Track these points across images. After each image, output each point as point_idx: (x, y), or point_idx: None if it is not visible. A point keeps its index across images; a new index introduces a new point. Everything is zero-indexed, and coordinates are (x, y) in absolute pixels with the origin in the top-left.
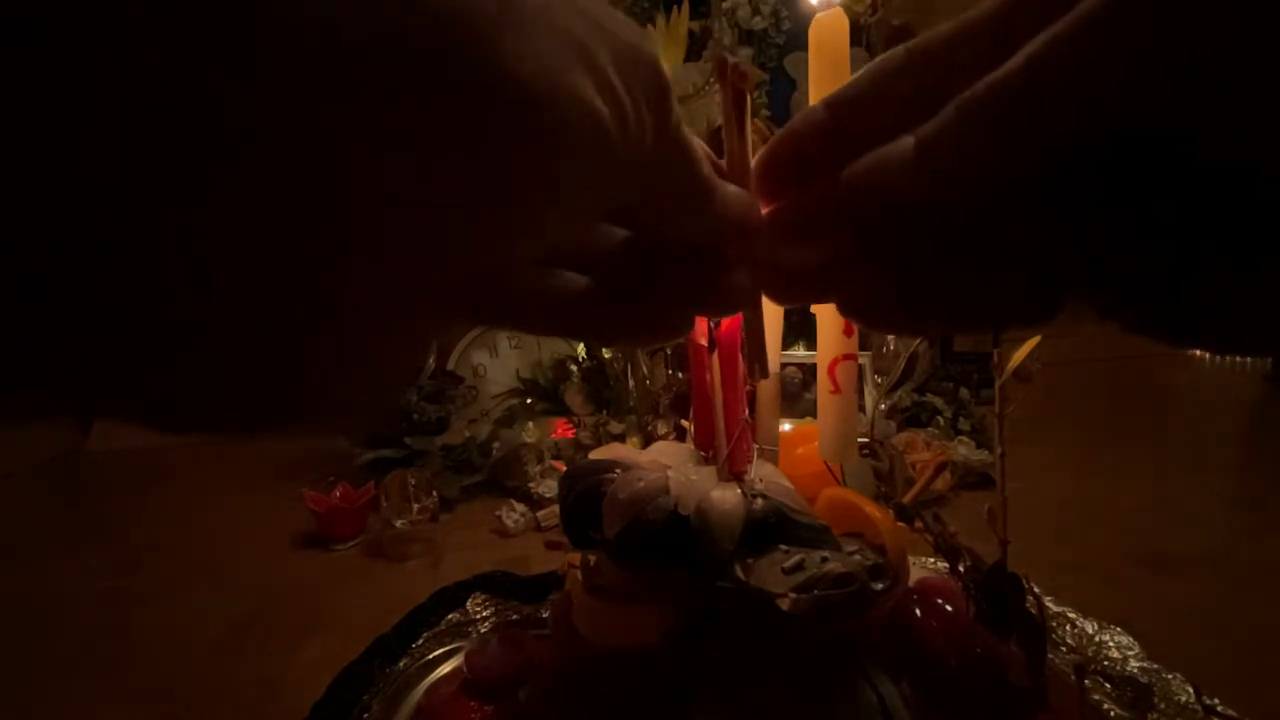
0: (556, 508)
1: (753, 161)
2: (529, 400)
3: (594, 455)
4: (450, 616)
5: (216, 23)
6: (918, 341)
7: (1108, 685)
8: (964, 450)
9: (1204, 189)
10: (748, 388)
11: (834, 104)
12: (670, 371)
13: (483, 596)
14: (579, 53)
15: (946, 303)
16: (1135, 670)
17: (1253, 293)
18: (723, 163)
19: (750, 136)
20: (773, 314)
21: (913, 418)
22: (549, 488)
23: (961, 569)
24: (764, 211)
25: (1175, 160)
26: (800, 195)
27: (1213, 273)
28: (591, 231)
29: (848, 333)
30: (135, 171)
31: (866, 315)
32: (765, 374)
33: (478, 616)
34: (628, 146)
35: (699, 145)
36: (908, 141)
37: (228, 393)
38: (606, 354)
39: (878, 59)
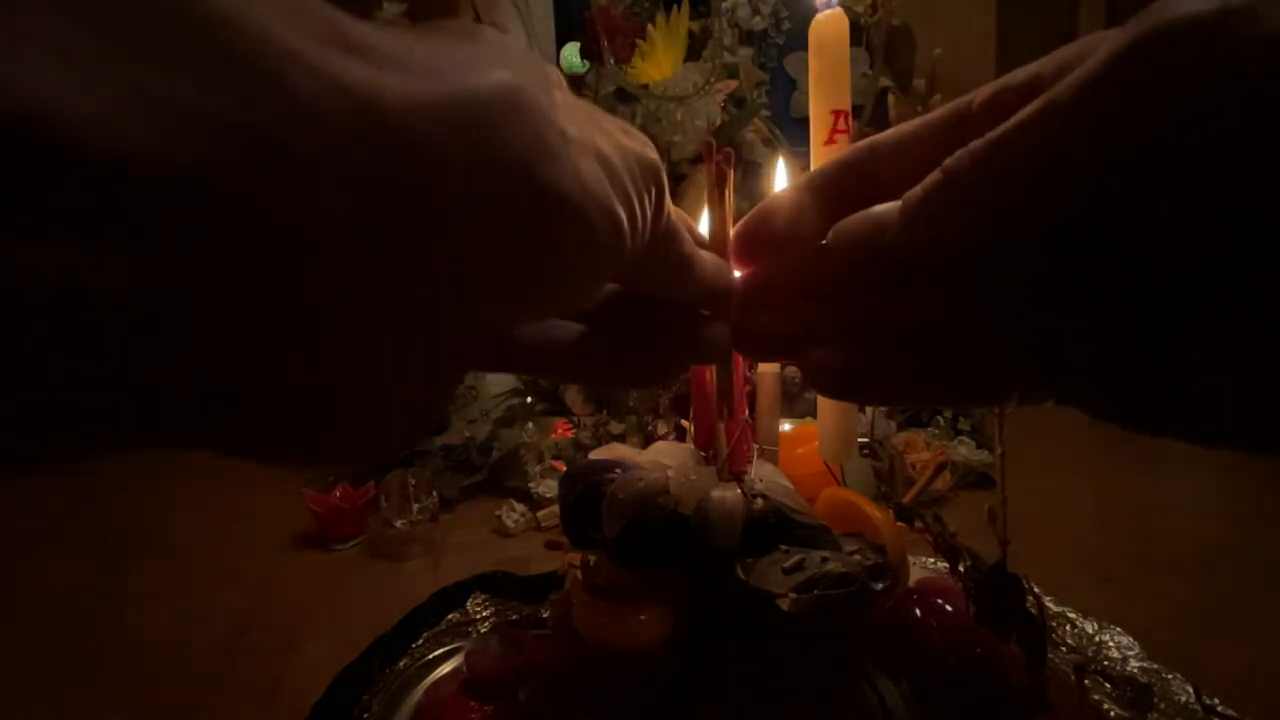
0: (556, 508)
1: (731, 232)
2: (529, 400)
3: (594, 455)
4: (450, 616)
5: (361, 159)
6: None
7: (1108, 685)
8: (964, 450)
9: (1172, 273)
10: (748, 387)
11: (801, 189)
12: None
13: (483, 596)
14: (605, 167)
15: (900, 375)
16: (1135, 670)
17: (1222, 388)
18: (703, 234)
19: (730, 208)
20: None
21: (913, 418)
22: (549, 488)
23: (961, 569)
24: (738, 277)
25: (1146, 242)
26: (769, 265)
27: (1179, 359)
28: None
29: None
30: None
31: (824, 382)
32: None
33: (478, 616)
34: (635, 238)
35: (683, 220)
36: (895, 204)
37: (295, 431)
38: None
39: (841, 154)
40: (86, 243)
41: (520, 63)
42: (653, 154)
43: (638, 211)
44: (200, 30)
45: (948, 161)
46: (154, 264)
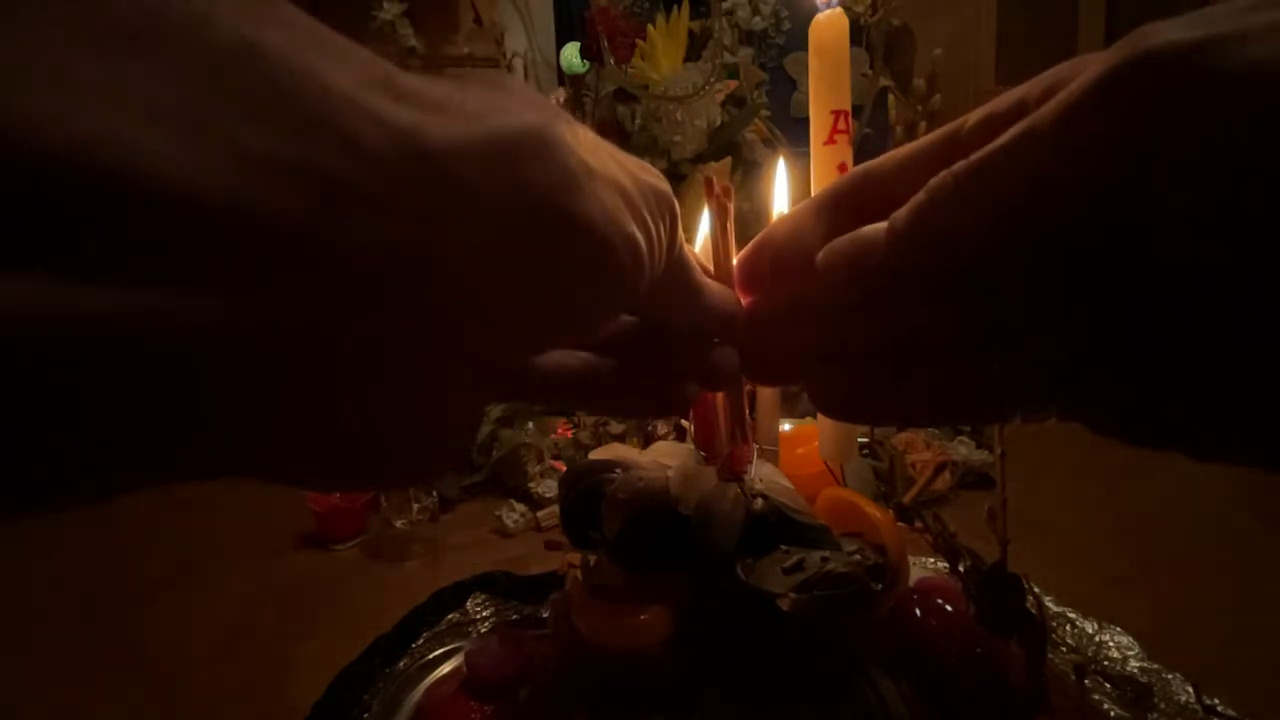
0: (556, 508)
1: (734, 262)
2: None
3: (594, 455)
4: (450, 616)
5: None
6: None
7: (1108, 685)
8: (964, 450)
9: (1168, 293)
10: (748, 388)
11: (798, 217)
12: None
13: (483, 596)
14: (625, 198)
15: (903, 397)
16: (1135, 670)
17: (1218, 403)
18: (709, 264)
19: (732, 239)
20: None
21: None
22: (549, 488)
23: (961, 569)
24: (744, 304)
25: (1136, 259)
26: (772, 294)
27: (1176, 373)
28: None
29: None
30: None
31: (829, 405)
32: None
33: (478, 616)
34: (652, 264)
35: (690, 252)
36: (883, 224)
37: (336, 458)
38: None
39: (835, 181)
40: (170, 285)
41: (545, 105)
42: (666, 187)
43: (655, 239)
44: (271, 84)
45: (932, 181)
46: (227, 302)
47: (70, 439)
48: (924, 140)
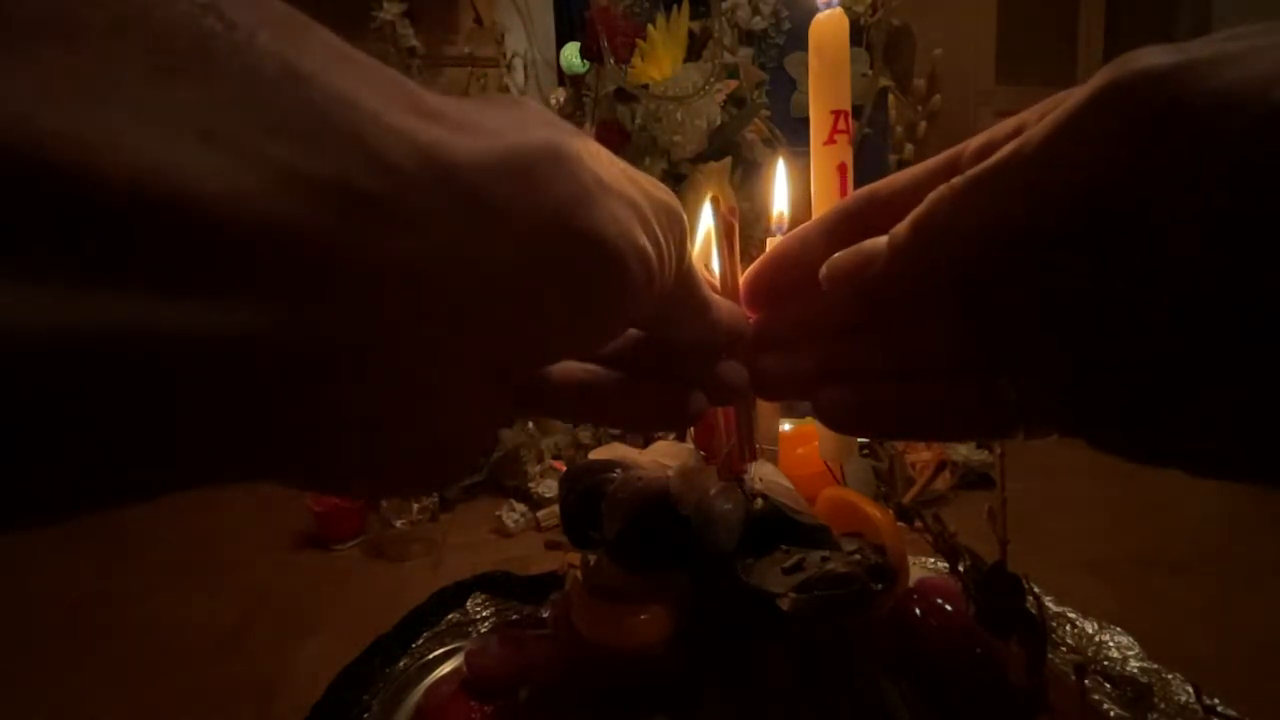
0: (556, 508)
1: (741, 279)
2: None
3: (594, 455)
4: (450, 616)
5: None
6: None
7: (1108, 685)
8: (964, 450)
9: (1165, 299)
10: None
11: (804, 235)
12: None
13: (483, 596)
14: (636, 212)
15: (907, 412)
16: (1135, 670)
17: (1216, 423)
18: (716, 280)
19: (739, 258)
20: None
21: None
22: (549, 488)
23: (961, 569)
24: (751, 321)
25: (1133, 266)
26: (778, 311)
27: (1176, 392)
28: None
29: None
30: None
31: (834, 420)
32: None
33: (478, 616)
34: (662, 280)
35: (700, 268)
36: (883, 237)
37: (366, 467)
38: None
39: (841, 201)
40: (204, 298)
41: (561, 124)
42: (676, 203)
43: (664, 252)
44: (307, 104)
45: (932, 194)
46: (256, 314)
47: (103, 446)
48: (926, 163)
